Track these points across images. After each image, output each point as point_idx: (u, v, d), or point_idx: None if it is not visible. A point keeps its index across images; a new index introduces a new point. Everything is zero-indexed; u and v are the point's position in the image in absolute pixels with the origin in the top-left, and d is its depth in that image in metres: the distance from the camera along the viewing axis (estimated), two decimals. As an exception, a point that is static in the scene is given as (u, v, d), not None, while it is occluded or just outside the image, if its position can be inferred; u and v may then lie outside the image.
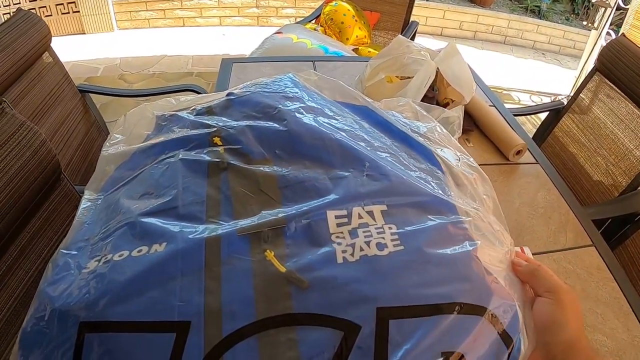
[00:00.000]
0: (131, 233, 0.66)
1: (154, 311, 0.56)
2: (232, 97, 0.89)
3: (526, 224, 1.34)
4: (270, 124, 0.80)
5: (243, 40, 5.59)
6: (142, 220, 0.67)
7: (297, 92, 0.88)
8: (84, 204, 0.79)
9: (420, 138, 0.85)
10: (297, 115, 0.81)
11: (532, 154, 1.62)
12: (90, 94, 2.38)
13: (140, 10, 5.81)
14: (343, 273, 0.59)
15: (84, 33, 5.64)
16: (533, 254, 1.19)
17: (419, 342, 0.55)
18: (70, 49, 5.04)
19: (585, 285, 1.18)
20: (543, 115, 2.44)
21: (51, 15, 5.34)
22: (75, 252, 0.69)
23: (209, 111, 0.88)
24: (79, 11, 5.50)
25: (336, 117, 0.84)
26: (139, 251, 0.63)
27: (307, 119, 0.80)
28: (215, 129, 0.81)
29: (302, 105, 0.84)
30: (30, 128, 1.20)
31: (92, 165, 2.14)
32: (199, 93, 2.32)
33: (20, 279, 1.18)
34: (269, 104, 0.84)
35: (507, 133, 1.58)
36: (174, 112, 0.90)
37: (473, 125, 1.69)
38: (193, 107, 0.91)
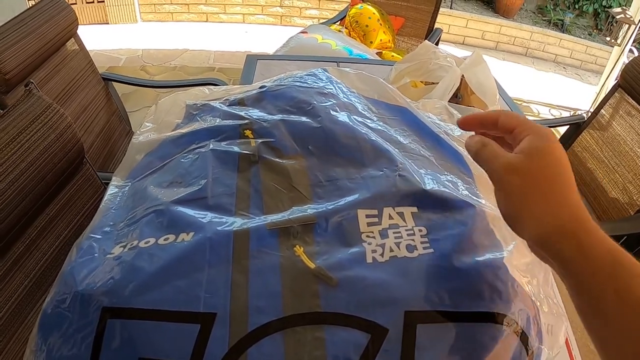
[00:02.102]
0: (158, 221, 0.67)
1: (179, 301, 0.56)
2: (264, 90, 0.89)
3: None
4: (304, 119, 0.80)
5: (265, 39, 5.60)
6: (170, 208, 0.67)
7: (332, 89, 0.88)
8: (111, 189, 0.80)
9: (453, 141, 0.85)
10: (332, 112, 0.81)
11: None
12: (113, 83, 2.40)
13: (164, 4, 5.84)
14: (372, 273, 0.59)
15: (108, 23, 5.68)
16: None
17: (446, 347, 0.55)
18: (93, 38, 5.07)
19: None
20: (562, 129, 2.43)
21: (76, 3, 5.39)
22: (100, 237, 0.69)
23: (240, 102, 0.88)
24: (103, 1, 5.54)
25: (370, 116, 0.84)
26: (165, 239, 0.63)
27: (341, 116, 0.80)
28: (247, 121, 0.81)
29: (337, 102, 0.84)
30: (57, 110, 1.21)
31: (112, 152, 2.19)
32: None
33: (37, 260, 1.18)
34: (303, 99, 0.84)
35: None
36: (206, 102, 0.91)
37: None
38: (226, 98, 0.91)
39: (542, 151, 0.53)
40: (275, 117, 0.81)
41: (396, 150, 0.77)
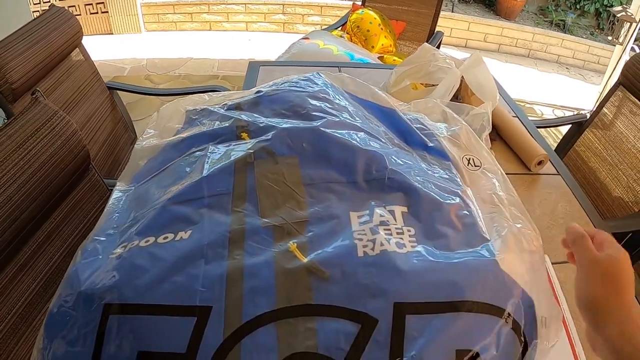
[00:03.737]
0: (157, 221, 0.69)
1: (177, 296, 0.59)
2: (261, 94, 0.92)
3: (546, 233, 1.35)
4: (299, 122, 0.82)
5: (269, 46, 5.63)
6: (169, 208, 0.70)
7: (326, 93, 0.90)
8: (115, 194, 0.83)
9: (437, 142, 0.86)
10: (325, 116, 0.83)
11: (553, 165, 1.62)
12: (118, 92, 2.42)
13: (167, 13, 5.87)
14: (363, 266, 0.61)
15: (112, 33, 5.72)
16: (553, 264, 1.19)
17: (434, 338, 0.57)
18: (98, 49, 5.10)
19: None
20: (565, 130, 2.44)
21: (80, 14, 5.42)
22: (104, 239, 0.72)
23: (238, 107, 0.91)
24: (107, 12, 5.58)
25: (362, 119, 0.86)
26: (164, 238, 0.66)
27: (335, 120, 0.82)
28: (244, 124, 0.83)
29: (331, 106, 0.86)
30: (63, 117, 1.23)
31: (117, 160, 2.21)
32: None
33: (45, 263, 1.21)
34: (297, 102, 0.86)
35: (529, 143, 1.59)
36: (205, 107, 0.93)
37: (496, 135, 1.70)
38: (224, 103, 0.94)
39: (620, 260, 0.67)
40: (270, 120, 0.84)
41: (388, 154, 0.78)
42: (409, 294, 0.59)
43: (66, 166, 1.22)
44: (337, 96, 0.90)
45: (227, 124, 0.85)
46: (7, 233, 1.06)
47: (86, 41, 2.22)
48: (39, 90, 1.23)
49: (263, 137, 0.80)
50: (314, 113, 0.83)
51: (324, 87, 0.92)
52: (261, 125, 0.82)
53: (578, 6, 6.64)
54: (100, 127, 2.19)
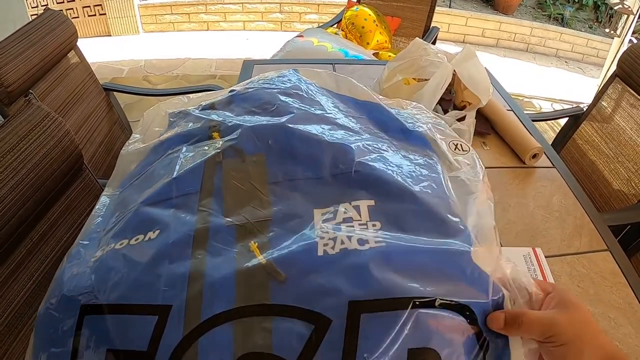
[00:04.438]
0: (132, 223, 0.71)
1: (142, 295, 0.60)
2: (233, 93, 0.93)
3: (540, 226, 1.35)
4: (266, 119, 0.82)
5: (266, 45, 5.63)
6: (141, 210, 0.72)
7: (298, 89, 0.90)
8: (102, 199, 0.85)
9: (419, 129, 0.86)
10: (294, 111, 0.83)
11: (548, 158, 1.62)
12: (114, 93, 2.44)
13: (165, 14, 5.88)
14: (321, 266, 0.60)
15: (110, 35, 5.74)
16: (546, 257, 1.19)
17: (390, 336, 0.55)
18: (96, 50, 5.12)
19: (598, 289, 1.18)
20: (562, 122, 2.43)
21: (78, 17, 5.44)
22: (88, 242, 0.74)
23: (211, 107, 0.92)
24: (105, 14, 5.60)
25: (336, 114, 0.86)
26: (136, 239, 0.67)
27: (303, 115, 0.83)
28: (215, 123, 0.84)
29: (300, 101, 0.87)
30: (55, 119, 1.24)
31: (114, 161, 2.20)
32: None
33: (40, 263, 1.22)
34: (267, 100, 0.87)
35: (523, 136, 1.59)
36: (182, 109, 0.95)
37: (490, 128, 1.70)
38: (200, 103, 0.95)
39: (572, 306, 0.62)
40: (240, 118, 0.84)
41: (357, 147, 0.77)
42: (365, 292, 0.57)
43: (59, 166, 1.24)
44: (309, 92, 0.90)
45: (199, 125, 0.86)
46: (1, 233, 1.07)
47: (84, 43, 2.23)
48: (32, 93, 1.24)
49: (231, 136, 0.80)
50: (283, 109, 0.84)
51: (297, 83, 0.92)
52: (230, 124, 0.83)
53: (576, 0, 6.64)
54: (96, 128, 2.20)
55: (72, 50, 2.20)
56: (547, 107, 4.68)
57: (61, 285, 0.66)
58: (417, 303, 0.57)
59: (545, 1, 6.67)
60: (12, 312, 1.13)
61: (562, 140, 2.35)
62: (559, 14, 6.46)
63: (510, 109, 1.91)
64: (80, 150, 1.31)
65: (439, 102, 1.56)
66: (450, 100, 1.60)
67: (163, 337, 0.56)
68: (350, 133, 0.82)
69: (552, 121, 4.00)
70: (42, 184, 1.18)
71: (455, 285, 0.61)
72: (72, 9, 5.38)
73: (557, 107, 4.69)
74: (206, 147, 0.80)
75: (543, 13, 6.60)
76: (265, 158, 0.77)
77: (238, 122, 0.82)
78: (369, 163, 0.74)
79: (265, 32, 6.11)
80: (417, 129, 0.86)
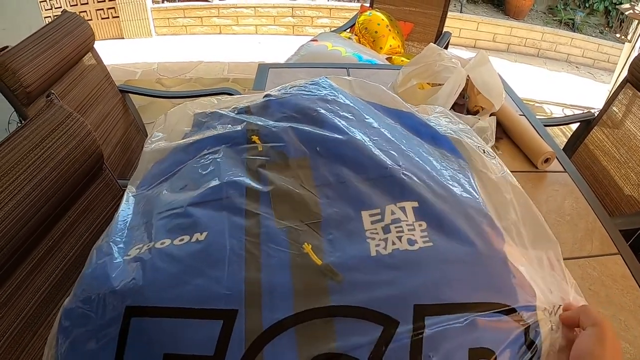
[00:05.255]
0: (173, 223, 0.69)
1: (202, 298, 0.59)
2: (270, 99, 0.92)
3: (552, 230, 1.33)
4: (309, 125, 0.82)
5: (278, 49, 5.65)
6: (184, 211, 0.71)
7: (334, 96, 0.91)
8: (126, 197, 0.84)
9: (448, 134, 0.88)
10: (336, 117, 0.84)
11: (560, 162, 1.63)
12: (129, 95, 2.46)
13: (178, 17, 5.91)
14: (377, 266, 0.61)
15: (123, 38, 5.77)
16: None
17: (452, 337, 0.57)
18: (109, 53, 5.14)
19: (609, 292, 1.18)
20: (573, 128, 2.43)
21: (91, 19, 5.47)
22: (118, 239, 0.72)
23: (247, 111, 0.91)
24: (118, 16, 5.62)
25: (372, 120, 0.87)
26: (180, 240, 0.66)
27: (345, 121, 0.83)
28: (255, 127, 0.84)
29: (340, 108, 0.87)
30: (77, 119, 1.26)
31: (130, 162, 2.24)
32: (234, 97, 2.38)
33: (59, 261, 1.23)
34: (308, 105, 0.87)
35: (535, 141, 1.60)
36: (214, 110, 0.95)
37: (502, 133, 1.70)
38: (234, 106, 0.95)
39: (613, 327, 0.65)
40: (281, 123, 0.84)
41: (398, 151, 0.79)
42: (427, 296, 0.59)
43: (80, 166, 1.25)
44: (345, 99, 0.91)
45: (239, 127, 0.85)
46: (24, 231, 1.08)
47: (97, 46, 2.26)
48: (53, 93, 1.25)
49: (274, 141, 0.80)
50: (324, 115, 0.84)
51: (332, 90, 0.92)
52: (273, 129, 0.83)
53: (587, 4, 6.61)
54: (112, 129, 2.23)
55: (89, 53, 2.22)
56: (558, 112, 4.67)
57: (95, 283, 0.64)
58: (473, 307, 0.60)
59: (556, 6, 6.66)
60: (31, 310, 1.15)
61: (573, 145, 2.35)
62: (570, 19, 6.45)
63: (522, 113, 1.92)
64: (101, 151, 1.33)
65: (452, 107, 1.57)
66: (463, 105, 1.61)
67: (230, 343, 0.55)
68: (389, 138, 0.83)
69: (563, 126, 4.00)
70: (64, 182, 1.19)
71: (503, 288, 0.63)
72: (85, 11, 5.41)
73: (568, 112, 4.68)
74: (247, 150, 0.80)
75: (554, 18, 6.59)
76: (312, 161, 0.77)
77: (281, 127, 0.82)
78: (411, 167, 0.75)
79: (277, 36, 6.12)
80: (446, 134, 0.88)
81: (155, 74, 4.92)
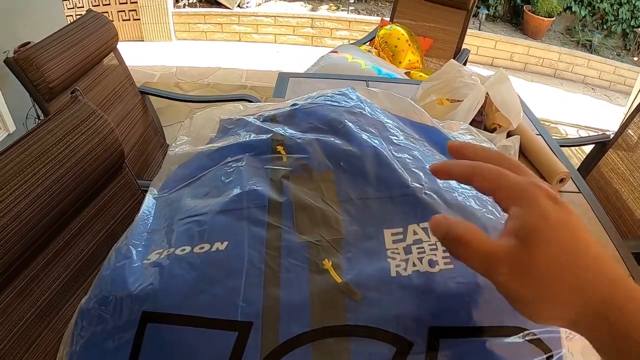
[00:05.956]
0: (194, 230, 0.69)
1: (218, 309, 0.58)
2: (296, 107, 0.92)
3: (565, 249, 1.35)
4: (335, 138, 0.82)
5: (296, 58, 5.69)
6: (206, 218, 0.70)
7: (361, 108, 0.90)
8: (148, 198, 0.83)
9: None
10: (361, 131, 0.83)
11: (575, 183, 1.63)
12: (149, 97, 2.49)
13: (198, 23, 5.96)
14: (397, 288, 0.60)
15: (143, 40, 5.83)
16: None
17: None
18: (129, 54, 5.16)
19: (619, 313, 1.18)
20: (589, 150, 2.44)
21: (112, 21, 5.50)
22: (138, 242, 0.72)
23: (273, 119, 0.91)
24: (139, 19, 5.69)
25: (398, 135, 0.86)
26: (201, 248, 0.65)
27: (370, 135, 0.83)
28: (280, 137, 0.83)
29: (366, 122, 0.86)
30: (101, 116, 1.28)
31: (147, 163, 2.26)
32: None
33: (75, 256, 1.25)
34: (334, 117, 0.86)
35: (551, 161, 1.61)
36: (240, 117, 0.94)
37: (518, 151, 1.71)
38: (260, 114, 0.94)
39: (538, 236, 0.44)
40: (307, 134, 0.84)
41: (421, 169, 0.78)
42: (443, 318, 0.58)
43: (102, 163, 1.26)
44: (372, 111, 0.90)
45: (264, 137, 0.84)
46: (42, 224, 1.10)
47: (118, 46, 2.29)
48: (78, 89, 1.27)
49: (299, 152, 0.80)
50: (350, 129, 0.83)
51: (359, 102, 0.92)
52: (298, 140, 0.82)
53: (605, 27, 6.61)
54: (131, 129, 2.25)
55: (112, 53, 2.26)
56: (572, 133, 4.67)
57: (112, 285, 0.64)
58: (491, 331, 0.59)
59: (574, 27, 6.66)
60: (45, 302, 1.17)
61: (587, 166, 2.36)
62: (588, 41, 6.45)
63: (538, 133, 1.93)
64: (122, 149, 1.34)
65: (470, 123, 1.57)
66: (481, 122, 1.62)
67: (244, 355, 0.55)
68: (414, 154, 0.82)
69: (577, 148, 4.00)
70: (85, 178, 1.21)
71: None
72: (107, 12, 5.47)
73: (583, 133, 4.68)
74: (271, 161, 0.79)
75: (571, 39, 6.59)
76: (335, 176, 0.76)
77: (307, 139, 0.82)
78: (436, 185, 0.75)
79: (296, 46, 6.17)
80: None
81: (173, 77, 4.97)
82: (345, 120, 0.85)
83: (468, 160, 0.53)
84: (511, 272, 0.43)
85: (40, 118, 3.54)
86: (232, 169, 0.79)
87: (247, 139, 0.86)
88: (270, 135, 0.85)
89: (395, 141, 0.84)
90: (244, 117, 0.94)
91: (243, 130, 0.90)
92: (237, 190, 0.73)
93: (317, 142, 0.81)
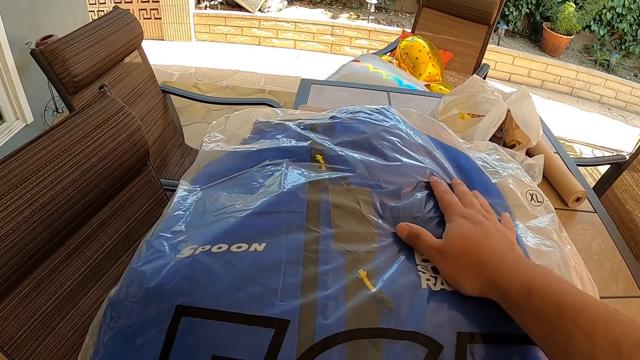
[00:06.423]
0: (232, 229, 0.69)
1: (256, 306, 0.59)
2: (335, 121, 0.94)
3: (579, 268, 1.36)
4: (374, 156, 0.84)
5: (315, 65, 5.71)
6: (244, 218, 0.71)
7: (399, 129, 0.92)
8: (180, 192, 0.84)
9: (498, 179, 0.91)
10: (398, 153, 0.85)
11: (591, 203, 1.63)
12: (170, 96, 2.51)
13: (219, 25, 5.99)
14: (427, 298, 0.63)
15: (163, 39, 5.87)
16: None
17: None
18: (149, 53, 5.21)
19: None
20: (603, 170, 2.44)
21: (134, 19, 5.56)
22: (170, 236, 0.72)
23: (312, 128, 0.92)
24: (160, 18, 5.72)
25: (430, 161, 0.89)
26: (238, 247, 0.66)
27: (407, 156, 0.86)
28: (320, 146, 0.85)
29: (404, 143, 0.89)
30: (128, 113, 1.30)
31: (165, 161, 2.29)
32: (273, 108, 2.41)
33: (95, 250, 1.27)
34: (373, 134, 0.89)
35: (568, 179, 1.61)
36: (280, 121, 0.96)
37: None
38: (299, 121, 0.96)
39: (452, 236, 0.71)
40: (345, 148, 0.85)
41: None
42: (471, 325, 0.61)
43: (127, 159, 1.28)
44: (409, 132, 0.92)
45: (305, 144, 0.86)
46: (66, 216, 1.11)
47: (140, 44, 2.32)
48: (106, 85, 1.29)
49: (338, 164, 0.81)
50: (389, 148, 0.86)
51: (396, 123, 0.94)
52: (339, 153, 0.84)
53: (623, 47, 6.58)
54: (152, 127, 2.28)
55: (136, 50, 2.29)
56: (587, 152, 4.67)
57: (145, 278, 0.64)
58: (516, 337, 0.62)
59: (593, 46, 6.64)
60: (64, 294, 1.19)
61: (602, 187, 2.36)
62: (605, 60, 6.42)
63: (556, 151, 1.93)
64: (148, 147, 1.36)
65: (490, 139, 1.58)
66: (501, 138, 1.62)
67: (280, 352, 0.56)
68: (446, 179, 0.86)
69: (592, 167, 4.00)
70: (110, 174, 1.22)
71: None
72: (129, 10, 5.50)
73: (598, 153, 4.68)
74: (310, 168, 0.81)
75: (589, 58, 6.57)
76: (373, 191, 0.78)
77: (347, 153, 0.84)
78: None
79: (315, 53, 6.19)
80: (497, 179, 0.91)
81: (192, 78, 5.00)
82: (384, 140, 0.87)
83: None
84: (441, 257, 0.68)
85: (59, 111, 3.57)
86: (270, 172, 0.81)
87: (288, 145, 0.87)
88: (310, 142, 0.86)
89: (425, 166, 0.86)
90: (284, 122, 0.95)
91: (282, 135, 0.91)
92: (276, 193, 0.74)
93: (359, 158, 0.83)
